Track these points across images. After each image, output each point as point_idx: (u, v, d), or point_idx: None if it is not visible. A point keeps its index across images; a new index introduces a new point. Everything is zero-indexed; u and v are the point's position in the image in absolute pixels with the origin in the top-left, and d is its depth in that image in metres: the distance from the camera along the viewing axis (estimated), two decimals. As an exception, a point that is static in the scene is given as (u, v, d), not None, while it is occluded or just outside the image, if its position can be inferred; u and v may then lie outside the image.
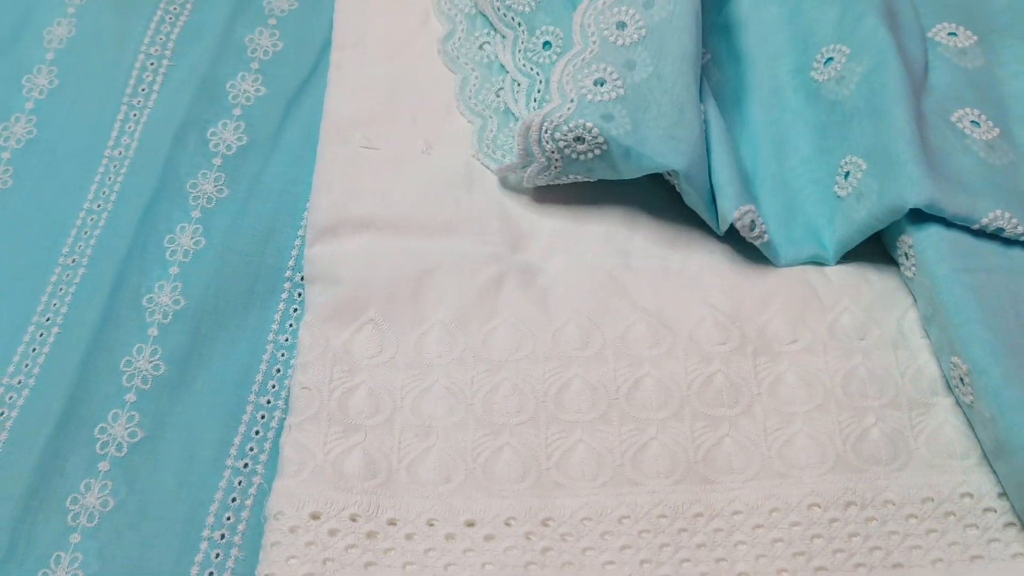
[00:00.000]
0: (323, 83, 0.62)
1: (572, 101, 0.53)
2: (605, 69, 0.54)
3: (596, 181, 0.57)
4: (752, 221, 0.53)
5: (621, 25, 0.55)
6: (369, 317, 0.52)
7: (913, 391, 0.51)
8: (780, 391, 0.50)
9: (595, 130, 0.52)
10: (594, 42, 0.55)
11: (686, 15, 0.55)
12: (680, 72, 0.54)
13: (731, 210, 0.52)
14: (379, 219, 0.55)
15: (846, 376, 0.51)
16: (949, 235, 0.50)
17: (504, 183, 0.58)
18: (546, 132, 0.53)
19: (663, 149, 0.52)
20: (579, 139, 0.52)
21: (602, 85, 0.53)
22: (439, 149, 0.59)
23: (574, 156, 0.53)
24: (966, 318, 0.48)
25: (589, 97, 0.53)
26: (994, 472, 0.48)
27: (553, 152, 0.53)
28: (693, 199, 0.54)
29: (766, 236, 0.54)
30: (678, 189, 0.55)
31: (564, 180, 0.56)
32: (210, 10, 0.66)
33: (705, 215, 0.55)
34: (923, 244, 0.51)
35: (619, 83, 0.53)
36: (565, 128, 0.52)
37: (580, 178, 0.56)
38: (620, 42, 0.55)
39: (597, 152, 0.53)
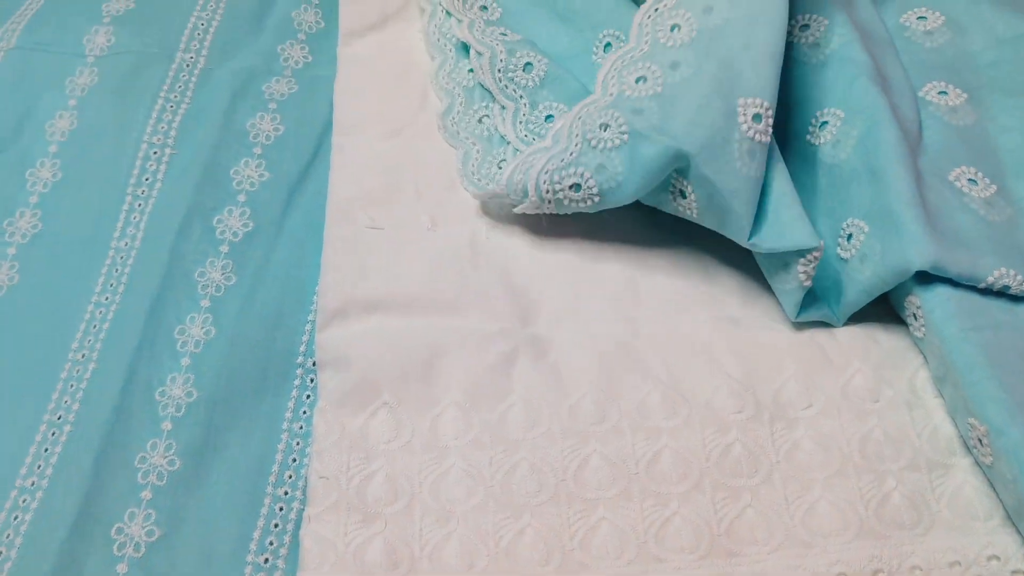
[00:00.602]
0: (325, 165, 0.62)
1: (611, 95, 0.56)
2: (649, 68, 0.56)
3: (598, 239, 0.57)
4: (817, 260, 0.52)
5: (675, 27, 0.57)
6: (383, 401, 0.51)
7: (931, 452, 0.50)
8: (798, 457, 0.50)
9: (621, 118, 0.54)
10: (646, 42, 0.58)
11: (744, 27, 0.55)
12: (718, 74, 0.54)
13: (814, 240, 0.51)
14: (387, 299, 0.55)
15: (862, 439, 0.51)
16: (956, 295, 0.51)
17: (508, 253, 0.58)
18: (579, 119, 0.55)
19: (679, 132, 0.53)
20: (604, 126, 0.54)
21: (643, 82, 0.56)
22: (443, 225, 0.59)
23: (594, 143, 0.54)
24: (978, 377, 0.48)
25: (628, 93, 0.56)
26: (1019, 533, 0.48)
27: (578, 136, 0.55)
28: (714, 210, 0.53)
29: (811, 281, 0.53)
30: (694, 211, 0.54)
31: (567, 182, 0.55)
32: (210, 97, 0.67)
33: (732, 228, 0.53)
34: (931, 304, 0.51)
35: (659, 81, 0.55)
36: (596, 115, 0.54)
37: (585, 180, 0.55)
38: (670, 43, 0.57)
39: (617, 142, 0.54)
